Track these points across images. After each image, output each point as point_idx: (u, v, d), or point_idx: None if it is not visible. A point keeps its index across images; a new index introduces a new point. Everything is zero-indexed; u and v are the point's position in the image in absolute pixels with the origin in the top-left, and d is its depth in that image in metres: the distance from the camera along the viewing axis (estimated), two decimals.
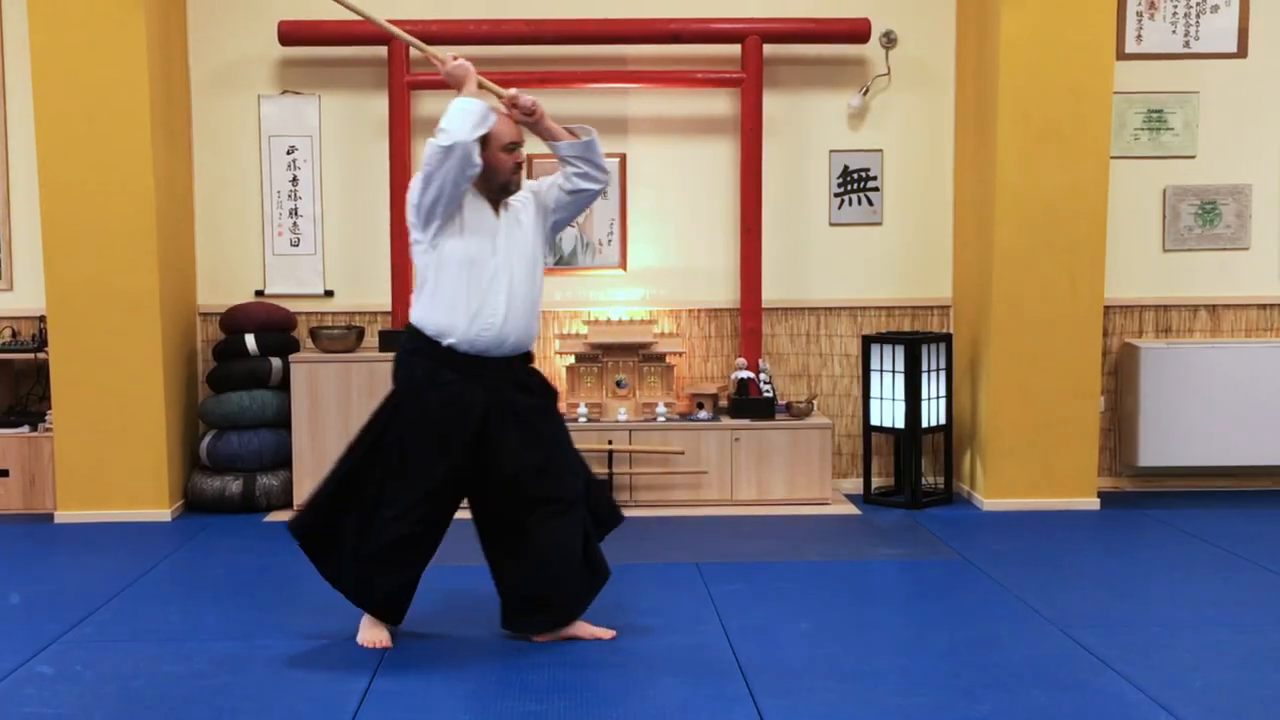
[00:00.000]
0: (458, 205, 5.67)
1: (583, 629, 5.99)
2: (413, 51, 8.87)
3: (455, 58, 5.87)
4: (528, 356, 5.96)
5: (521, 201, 5.93)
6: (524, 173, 5.95)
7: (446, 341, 5.67)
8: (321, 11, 8.93)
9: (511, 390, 5.82)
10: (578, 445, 8.69)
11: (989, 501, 8.67)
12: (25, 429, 8.73)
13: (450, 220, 5.67)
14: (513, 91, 5.91)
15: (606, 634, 5.99)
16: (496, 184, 5.78)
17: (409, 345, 5.79)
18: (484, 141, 5.65)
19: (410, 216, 5.71)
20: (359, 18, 6.36)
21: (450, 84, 5.84)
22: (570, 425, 8.61)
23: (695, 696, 5.20)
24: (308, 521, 5.92)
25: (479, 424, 5.71)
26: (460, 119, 5.53)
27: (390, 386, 5.87)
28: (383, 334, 8.83)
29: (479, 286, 5.68)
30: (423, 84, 8.90)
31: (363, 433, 5.88)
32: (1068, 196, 8.43)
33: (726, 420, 8.86)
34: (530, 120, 5.88)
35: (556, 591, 5.89)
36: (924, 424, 8.79)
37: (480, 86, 5.84)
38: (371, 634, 5.89)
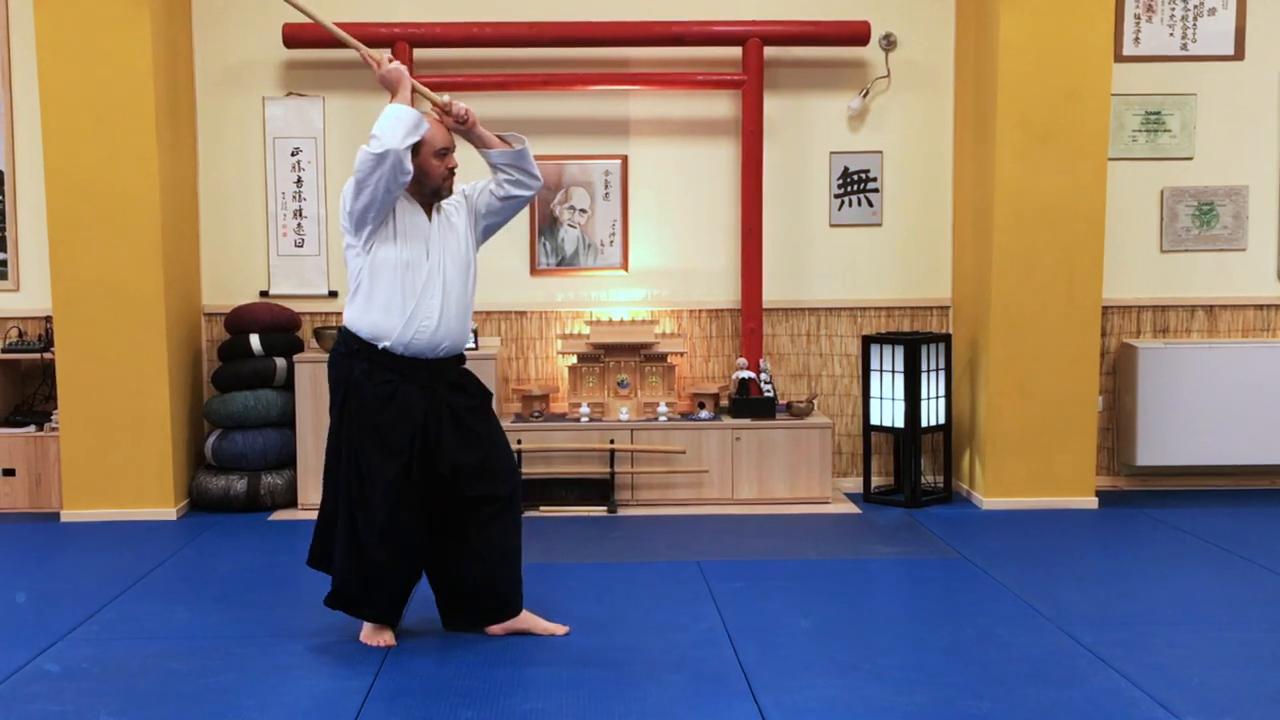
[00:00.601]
0: (390, 210, 5.67)
1: (536, 624, 6.01)
2: (418, 54, 8.89)
3: (390, 59, 5.90)
4: (461, 358, 5.97)
5: (454, 205, 5.94)
6: (455, 177, 5.92)
7: (382, 344, 5.67)
8: (327, 14, 8.92)
9: (447, 391, 5.83)
10: (580, 445, 8.74)
11: (988, 500, 8.66)
12: (31, 428, 8.74)
13: (383, 225, 5.68)
14: (446, 98, 5.90)
15: (560, 629, 6.01)
16: (429, 189, 5.78)
17: (344, 348, 5.78)
18: (416, 147, 5.66)
19: (343, 221, 5.70)
20: (305, 19, 6.34)
21: (384, 87, 5.84)
22: (572, 425, 8.69)
23: (696, 694, 5.20)
24: (316, 552, 5.99)
25: (420, 423, 5.72)
26: (392, 126, 5.52)
27: (330, 391, 5.89)
28: None
29: (413, 290, 5.68)
30: (426, 86, 8.89)
31: (327, 448, 5.90)
32: (1066, 198, 8.43)
33: (727, 420, 8.85)
34: (463, 128, 5.89)
35: (495, 585, 5.93)
36: (923, 423, 8.78)
37: (414, 91, 5.85)
38: (376, 636, 5.89)
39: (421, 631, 6.05)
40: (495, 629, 5.97)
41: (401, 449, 5.69)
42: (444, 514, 5.88)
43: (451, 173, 5.84)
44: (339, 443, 5.77)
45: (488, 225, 6.06)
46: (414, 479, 5.74)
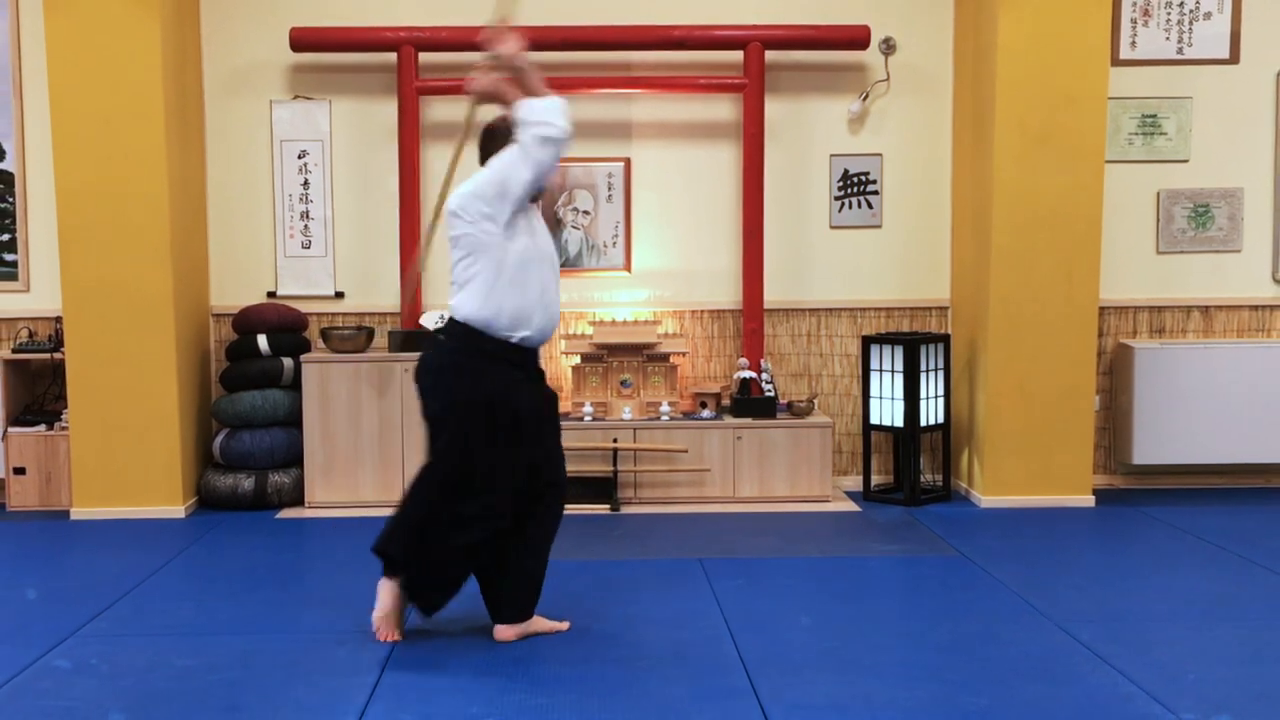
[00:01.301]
0: None
1: (543, 624, 6.00)
2: (422, 58, 8.88)
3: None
4: None
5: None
6: None
7: (520, 334, 5.62)
8: (332, 18, 8.95)
9: (539, 381, 5.88)
10: (583, 444, 8.75)
11: (986, 498, 8.66)
12: (42, 428, 8.74)
13: (518, 215, 5.64)
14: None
15: (563, 626, 6.02)
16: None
17: (467, 344, 5.64)
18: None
19: (492, 207, 5.55)
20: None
21: (515, 77, 5.78)
22: (576, 424, 8.70)
23: (699, 690, 5.20)
24: (401, 551, 5.85)
25: (526, 415, 5.72)
26: (563, 113, 5.55)
27: (436, 393, 5.72)
28: (392, 334, 8.82)
29: (542, 279, 5.69)
30: (431, 89, 8.91)
31: (445, 447, 5.73)
32: (1063, 200, 8.42)
33: (729, 419, 8.85)
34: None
35: (534, 587, 5.94)
36: (922, 423, 8.78)
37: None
38: (388, 627, 5.88)
39: (426, 630, 6.04)
40: (508, 633, 5.89)
41: (528, 439, 5.71)
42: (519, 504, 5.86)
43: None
44: (462, 439, 5.64)
45: None
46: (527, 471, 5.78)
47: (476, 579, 5.93)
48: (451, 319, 5.69)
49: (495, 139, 5.78)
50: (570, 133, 5.53)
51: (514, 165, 5.55)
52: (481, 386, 5.61)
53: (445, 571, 5.81)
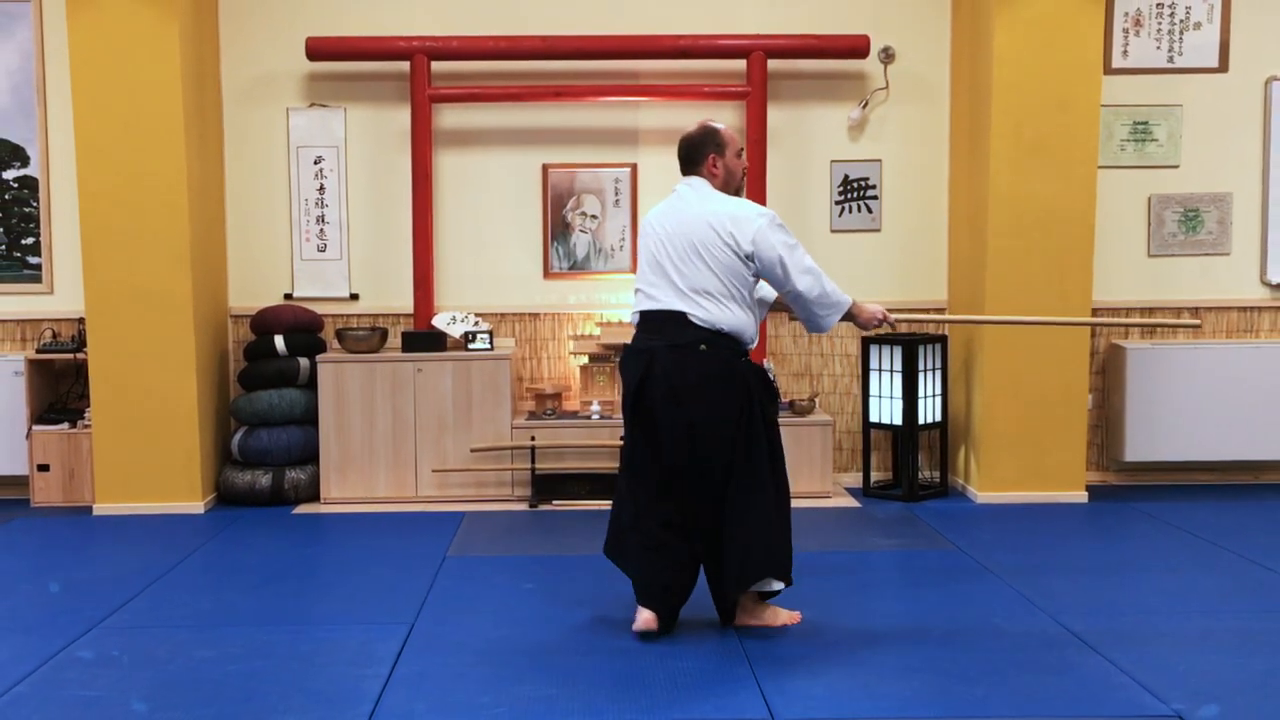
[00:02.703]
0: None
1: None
2: (435, 66, 8.88)
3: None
4: None
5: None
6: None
7: (754, 345, 5.89)
8: (348, 28, 8.95)
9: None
10: (591, 441, 8.76)
11: (982, 494, 8.66)
12: (65, 426, 8.75)
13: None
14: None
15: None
16: (733, 187, 5.98)
17: (734, 348, 5.77)
18: (721, 148, 5.92)
19: (771, 256, 5.75)
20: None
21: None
22: (584, 422, 8.72)
23: (703, 680, 5.20)
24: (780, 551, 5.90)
25: None
26: (835, 315, 5.99)
27: (739, 393, 5.77)
28: (406, 335, 8.82)
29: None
30: (443, 98, 8.92)
31: (762, 443, 5.82)
32: (1057, 204, 8.42)
33: None
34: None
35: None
36: (920, 421, 8.78)
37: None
38: (784, 615, 5.99)
39: (438, 620, 6.05)
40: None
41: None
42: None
43: (746, 171, 6.18)
44: (751, 434, 5.77)
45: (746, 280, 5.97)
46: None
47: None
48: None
49: (704, 145, 5.99)
50: (824, 326, 6.03)
51: (812, 269, 5.93)
52: (752, 384, 5.84)
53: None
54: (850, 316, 5.99)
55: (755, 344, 5.88)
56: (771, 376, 8.83)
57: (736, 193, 5.97)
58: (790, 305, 5.94)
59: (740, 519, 5.70)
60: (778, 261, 5.70)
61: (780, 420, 8.68)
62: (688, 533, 5.80)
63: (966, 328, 8.90)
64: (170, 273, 8.33)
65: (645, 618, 5.78)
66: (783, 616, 5.94)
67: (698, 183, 5.91)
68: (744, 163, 6.05)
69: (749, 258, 5.70)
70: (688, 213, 5.79)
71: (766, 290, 6.06)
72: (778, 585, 5.84)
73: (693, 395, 5.66)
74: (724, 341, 5.70)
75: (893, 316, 6.20)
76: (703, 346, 5.68)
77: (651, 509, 5.81)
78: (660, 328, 5.76)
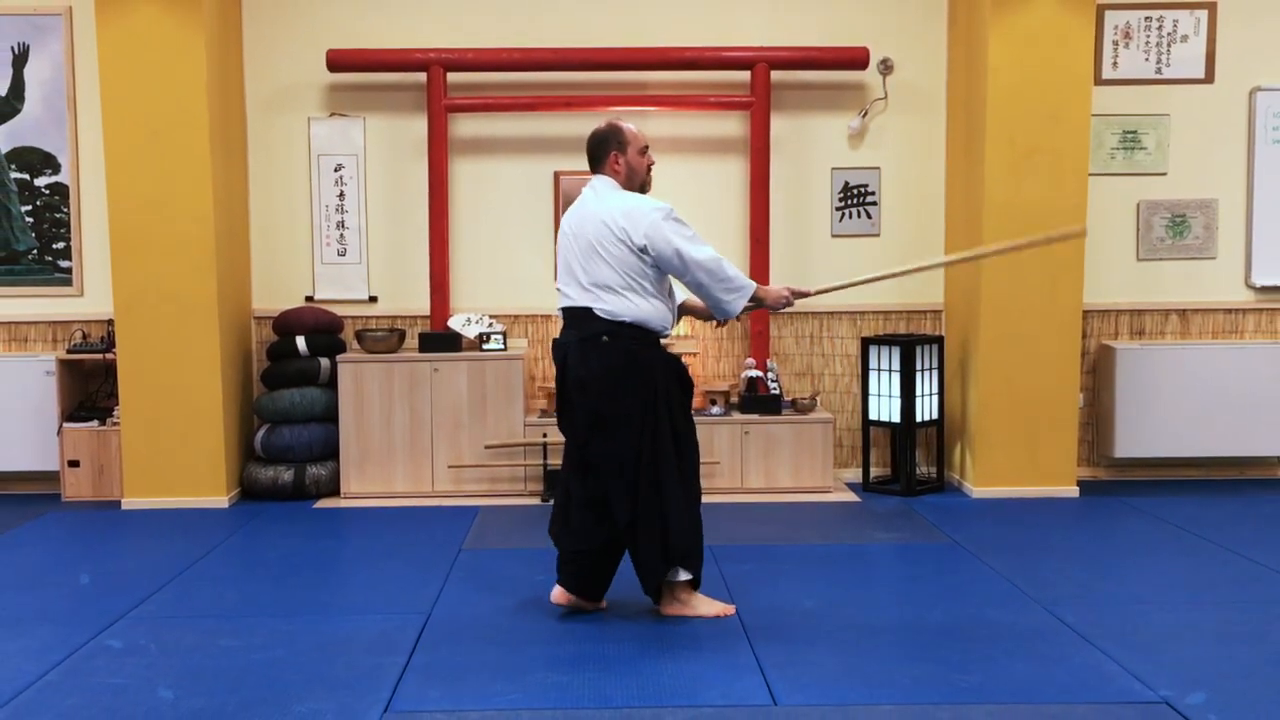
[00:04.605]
0: None
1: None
2: (450, 77, 8.89)
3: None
4: None
5: None
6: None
7: (667, 333, 5.90)
8: (367, 40, 8.96)
9: None
10: None
11: (978, 489, 8.65)
12: (94, 423, 8.76)
13: None
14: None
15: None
16: (637, 183, 5.96)
17: (637, 340, 5.76)
18: (623, 145, 5.92)
19: (666, 249, 5.70)
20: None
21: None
22: None
23: (708, 668, 5.20)
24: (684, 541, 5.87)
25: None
26: (739, 302, 5.86)
27: (630, 384, 5.76)
28: (422, 336, 8.82)
29: (668, 282, 5.92)
30: (459, 107, 8.92)
31: (633, 439, 5.77)
32: (1050, 210, 8.40)
33: (737, 415, 8.85)
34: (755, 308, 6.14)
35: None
36: (918, 419, 8.77)
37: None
38: (715, 605, 5.97)
39: (453, 610, 6.05)
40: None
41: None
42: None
43: (651, 168, 6.06)
44: (674, 422, 5.81)
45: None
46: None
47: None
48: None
49: (606, 143, 6.02)
50: (732, 311, 5.89)
51: (698, 248, 5.77)
52: (651, 372, 5.84)
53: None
54: (757, 300, 5.95)
55: (668, 332, 5.91)
56: (774, 376, 8.88)
57: (641, 189, 5.96)
58: (694, 294, 5.91)
59: (649, 509, 5.74)
60: (674, 254, 5.69)
61: (783, 418, 8.74)
62: (610, 516, 5.82)
63: (961, 330, 8.89)
64: (196, 276, 8.34)
65: (556, 593, 5.98)
66: (715, 608, 5.93)
67: (599, 181, 5.95)
68: (649, 160, 6.01)
69: (643, 250, 5.70)
70: (587, 212, 5.85)
71: None
72: (685, 576, 5.86)
73: (597, 385, 5.75)
74: (627, 332, 5.74)
75: (802, 288, 6.16)
76: (605, 338, 5.75)
77: (576, 492, 5.90)
78: (574, 322, 5.87)
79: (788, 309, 6.28)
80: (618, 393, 5.73)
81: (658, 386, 5.75)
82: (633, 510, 5.74)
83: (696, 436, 5.97)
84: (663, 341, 5.91)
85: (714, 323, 6.27)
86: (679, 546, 5.78)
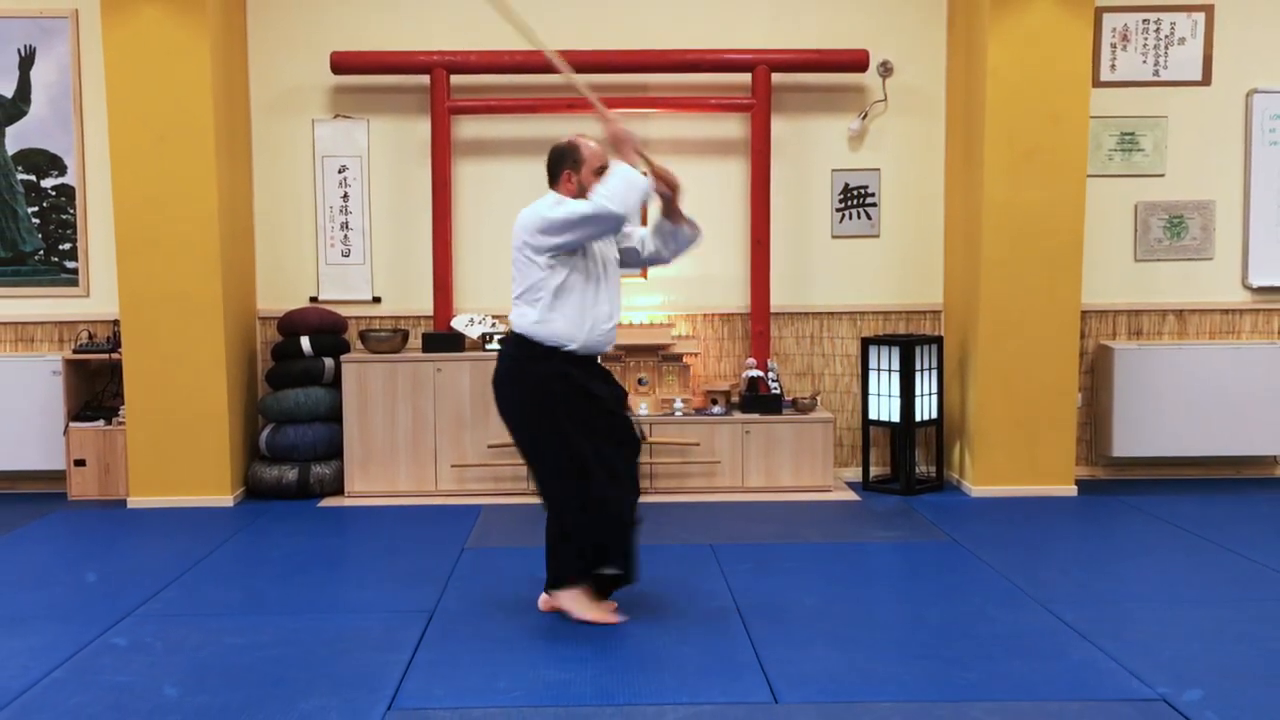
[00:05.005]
0: None
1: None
2: (454, 79, 8.90)
3: (619, 118, 5.86)
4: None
5: None
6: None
7: (568, 347, 5.67)
8: (370, 43, 8.96)
9: (601, 383, 5.90)
10: None
11: (976, 488, 8.65)
12: (100, 423, 8.76)
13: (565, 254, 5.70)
14: (661, 165, 5.91)
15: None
16: None
17: (525, 352, 5.70)
18: (577, 165, 5.74)
19: (535, 238, 5.63)
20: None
21: (611, 143, 5.80)
22: None
23: (709, 665, 5.20)
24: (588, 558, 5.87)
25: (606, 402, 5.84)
26: (629, 194, 5.53)
27: (516, 399, 5.75)
28: (426, 336, 8.82)
29: (591, 297, 5.72)
30: (462, 109, 8.92)
31: (541, 452, 5.78)
32: (1048, 211, 8.41)
33: (738, 415, 8.85)
34: (669, 193, 5.92)
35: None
36: (917, 418, 8.77)
37: (637, 153, 5.80)
38: (600, 612, 5.87)
39: (456, 608, 6.05)
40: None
41: (606, 412, 5.80)
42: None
43: None
44: (559, 429, 5.69)
45: (615, 256, 6.03)
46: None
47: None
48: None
49: (561, 160, 5.86)
50: (623, 212, 5.50)
51: (569, 209, 5.60)
52: (534, 383, 5.72)
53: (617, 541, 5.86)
54: (639, 172, 5.67)
55: (569, 346, 5.67)
56: (774, 376, 8.88)
57: None
58: (623, 240, 5.91)
59: (548, 507, 5.87)
60: (544, 225, 5.60)
61: (784, 417, 8.74)
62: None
63: (960, 330, 8.89)
64: (201, 276, 8.34)
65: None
66: (596, 614, 5.85)
67: (547, 196, 5.80)
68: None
69: (527, 245, 5.67)
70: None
71: (634, 242, 6.08)
72: (606, 571, 5.86)
73: (494, 393, 5.82)
74: (517, 342, 5.75)
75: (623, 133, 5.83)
76: (501, 347, 5.88)
77: None
78: None
79: (637, 151, 5.84)
80: (503, 402, 5.78)
81: (541, 399, 5.68)
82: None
83: (608, 444, 5.79)
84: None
85: (685, 223, 6.06)
86: (556, 563, 5.86)
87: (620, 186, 5.51)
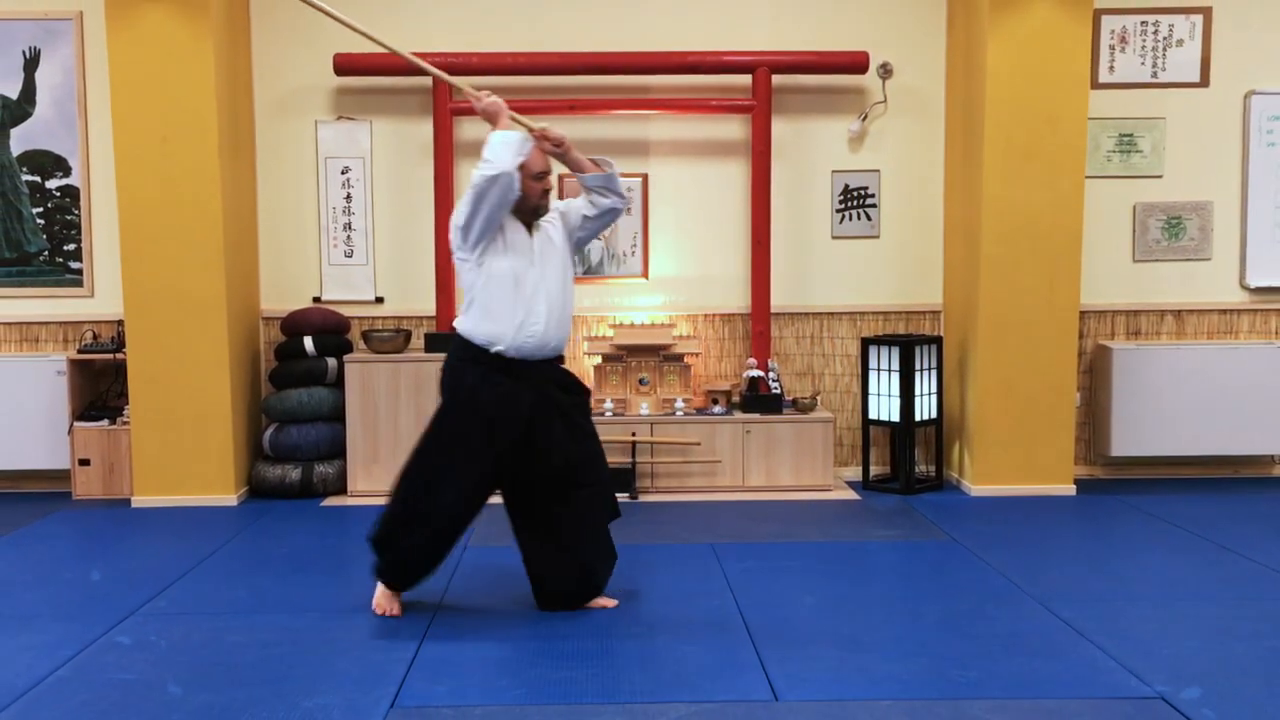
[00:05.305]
0: (499, 227, 5.72)
1: (598, 599, 6.07)
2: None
3: (488, 93, 5.89)
4: (561, 358, 6.00)
5: (550, 221, 5.99)
6: (551, 197, 6.00)
7: (495, 349, 5.71)
8: (373, 45, 8.95)
9: (553, 389, 5.88)
10: (604, 437, 8.71)
11: (976, 488, 8.65)
12: (105, 422, 8.76)
13: (493, 240, 5.74)
14: (543, 125, 5.94)
15: (611, 603, 6.06)
16: (528, 208, 5.83)
17: (459, 354, 5.82)
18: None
19: (455, 238, 5.76)
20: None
21: (484, 118, 5.89)
22: (597, 419, 8.63)
23: (710, 663, 5.20)
24: (385, 531, 5.95)
25: (526, 421, 5.77)
26: (503, 150, 5.60)
27: (440, 394, 5.90)
28: (428, 336, 8.82)
29: (523, 299, 5.74)
30: (464, 111, 8.91)
31: (426, 442, 5.90)
32: (1047, 212, 8.41)
33: (738, 414, 8.84)
34: (558, 151, 5.94)
35: (593, 569, 5.98)
36: (917, 418, 8.77)
37: (512, 120, 5.87)
38: (390, 604, 5.95)
39: (459, 606, 6.06)
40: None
41: (500, 444, 5.75)
42: (546, 503, 5.92)
43: (547, 193, 5.92)
44: (442, 436, 5.81)
45: (580, 238, 6.13)
46: (506, 471, 5.83)
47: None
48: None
49: None
50: (503, 169, 5.55)
51: (463, 199, 5.71)
52: (455, 387, 5.85)
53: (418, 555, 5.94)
54: (526, 141, 5.75)
55: (499, 348, 5.73)
56: (775, 376, 8.88)
57: (533, 214, 5.88)
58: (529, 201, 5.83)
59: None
60: (459, 214, 5.71)
61: (784, 417, 8.75)
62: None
63: (960, 330, 8.89)
64: (205, 277, 8.34)
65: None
66: (384, 606, 5.99)
67: None
68: (544, 185, 5.88)
69: (455, 252, 5.81)
70: None
71: (578, 215, 6.10)
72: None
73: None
74: (455, 342, 5.88)
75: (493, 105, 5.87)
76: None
77: None
78: None
79: (503, 118, 5.88)
80: (441, 392, 5.91)
81: (452, 400, 5.82)
82: None
83: (461, 463, 5.80)
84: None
85: (594, 167, 6.07)
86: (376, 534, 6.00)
87: (496, 148, 5.62)
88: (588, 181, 6.02)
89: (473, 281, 5.77)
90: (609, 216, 6.14)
